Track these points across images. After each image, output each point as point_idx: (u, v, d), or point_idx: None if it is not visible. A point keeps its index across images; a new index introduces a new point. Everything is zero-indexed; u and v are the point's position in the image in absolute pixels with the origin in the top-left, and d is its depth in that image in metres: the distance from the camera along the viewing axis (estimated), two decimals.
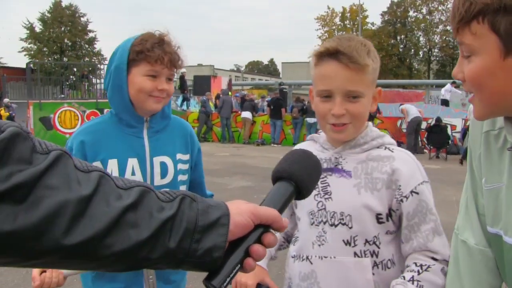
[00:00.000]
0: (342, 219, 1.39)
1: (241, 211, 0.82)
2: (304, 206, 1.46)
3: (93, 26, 47.29)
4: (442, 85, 35.17)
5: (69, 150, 1.65)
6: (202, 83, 23.59)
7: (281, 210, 0.88)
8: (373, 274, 1.37)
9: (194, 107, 21.83)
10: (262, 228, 0.84)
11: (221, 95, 18.99)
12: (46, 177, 0.69)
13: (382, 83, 38.85)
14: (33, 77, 19.14)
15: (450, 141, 13.64)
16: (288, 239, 1.63)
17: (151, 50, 1.71)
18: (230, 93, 21.14)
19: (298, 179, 0.92)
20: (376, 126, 16.85)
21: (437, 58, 53.72)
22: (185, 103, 21.31)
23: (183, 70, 22.02)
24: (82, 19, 47.72)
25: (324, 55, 1.36)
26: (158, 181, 1.80)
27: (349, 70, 1.33)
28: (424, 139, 14.67)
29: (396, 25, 51.81)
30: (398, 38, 52.62)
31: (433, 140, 13.69)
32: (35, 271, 1.65)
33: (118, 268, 0.77)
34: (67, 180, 0.71)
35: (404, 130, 14.82)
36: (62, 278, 1.68)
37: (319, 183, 1.39)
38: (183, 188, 1.88)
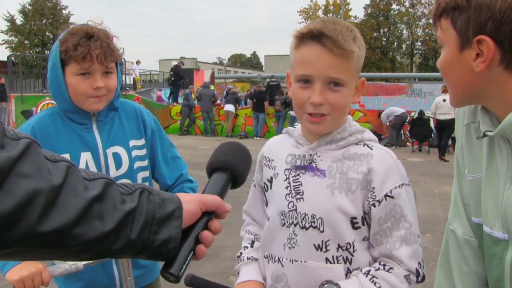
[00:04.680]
0: (314, 221, 1.29)
1: (190, 200, 0.88)
2: (275, 205, 1.38)
3: (75, 19, 46.47)
4: (425, 78, 35.67)
5: None
6: (185, 76, 23.44)
7: (221, 198, 0.95)
8: None
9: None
10: (207, 215, 0.90)
11: (200, 89, 19.02)
12: (19, 165, 0.69)
13: (365, 76, 39.01)
14: (15, 70, 18.88)
15: (432, 134, 13.77)
16: None
17: (75, 49, 1.61)
18: (213, 86, 21.07)
19: (234, 168, 0.99)
20: (359, 118, 16.93)
21: (420, 51, 54.08)
22: (172, 96, 21.21)
23: (174, 62, 21.89)
24: (63, 11, 46.74)
25: (307, 37, 1.24)
26: (114, 173, 1.76)
27: (332, 56, 1.21)
28: (407, 132, 14.82)
29: (379, 18, 51.95)
30: (381, 31, 52.83)
31: (416, 133, 13.86)
32: (13, 277, 1.53)
33: (80, 258, 0.79)
34: (39, 168, 0.71)
35: (388, 124, 14.93)
36: (47, 275, 1.57)
37: (291, 181, 1.34)
38: (142, 175, 1.84)
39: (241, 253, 1.47)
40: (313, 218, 1.29)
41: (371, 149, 1.32)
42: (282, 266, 1.34)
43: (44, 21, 45.52)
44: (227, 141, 1.10)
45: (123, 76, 18.51)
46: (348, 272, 1.29)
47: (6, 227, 0.66)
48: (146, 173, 1.86)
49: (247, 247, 1.48)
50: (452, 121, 11.66)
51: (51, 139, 1.71)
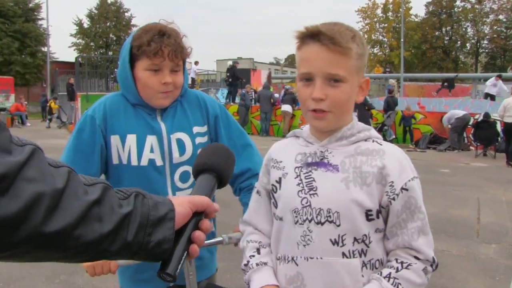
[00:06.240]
0: (329, 216, 1.30)
1: (181, 202, 0.93)
2: (286, 204, 1.38)
3: (136, 20, 48.30)
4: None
5: (91, 119, 1.77)
6: (242, 76, 23.64)
7: (209, 198, 0.99)
8: (362, 276, 1.30)
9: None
10: (197, 216, 0.94)
11: (260, 89, 19.11)
12: (25, 170, 0.72)
13: (425, 77, 37.84)
14: (81, 70, 19.83)
15: (499, 138, 13.10)
16: None
17: (149, 45, 1.69)
18: (271, 88, 21.08)
19: (219, 169, 1.04)
20: (419, 121, 16.43)
21: (486, 50, 51.69)
22: (231, 96, 21.44)
23: (229, 62, 22.21)
24: (126, 14, 48.88)
25: (306, 37, 1.29)
26: (176, 158, 1.81)
27: (330, 52, 1.26)
28: (471, 136, 14.16)
29: (442, 16, 50.14)
30: (444, 29, 50.98)
31: (480, 136, 13.21)
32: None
33: (78, 259, 0.82)
34: (43, 173, 0.75)
35: (449, 127, 14.37)
36: (115, 264, 1.66)
37: (303, 178, 1.35)
38: None
39: (248, 262, 1.44)
40: (329, 212, 1.30)
41: (381, 145, 1.36)
42: (297, 265, 1.34)
43: (108, 23, 47.68)
44: (213, 144, 1.16)
45: None
46: (363, 266, 1.30)
47: (13, 228, 0.70)
48: None
49: (253, 256, 1.45)
50: None
51: (120, 118, 1.79)
